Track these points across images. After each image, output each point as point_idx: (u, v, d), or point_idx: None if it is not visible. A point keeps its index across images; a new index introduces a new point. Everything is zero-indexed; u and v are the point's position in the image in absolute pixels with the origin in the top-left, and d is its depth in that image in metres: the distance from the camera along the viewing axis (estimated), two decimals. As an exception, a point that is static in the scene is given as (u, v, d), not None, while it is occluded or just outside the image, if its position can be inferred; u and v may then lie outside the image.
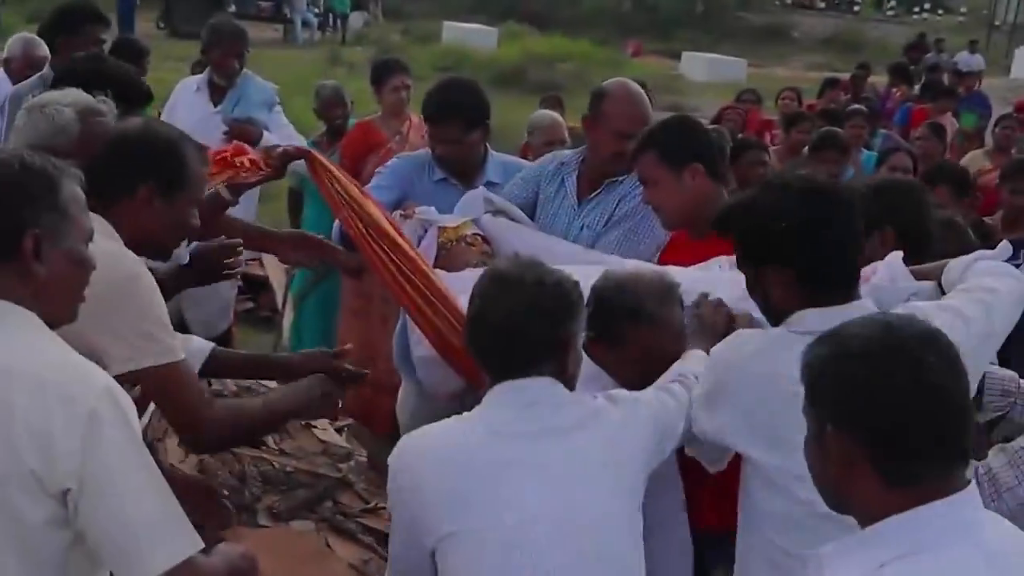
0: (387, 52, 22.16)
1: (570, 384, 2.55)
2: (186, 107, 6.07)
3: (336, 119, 6.91)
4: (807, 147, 7.19)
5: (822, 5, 38.43)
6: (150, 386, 2.53)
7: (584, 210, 3.97)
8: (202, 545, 2.03)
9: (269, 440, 3.81)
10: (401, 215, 3.80)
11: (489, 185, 4.15)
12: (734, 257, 2.96)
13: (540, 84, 20.43)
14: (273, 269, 7.26)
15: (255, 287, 7.57)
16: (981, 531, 1.68)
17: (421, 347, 3.45)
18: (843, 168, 6.60)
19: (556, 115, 6.40)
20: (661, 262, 3.53)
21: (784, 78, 21.04)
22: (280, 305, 6.76)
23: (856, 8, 37.22)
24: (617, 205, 3.92)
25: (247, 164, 3.61)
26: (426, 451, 2.50)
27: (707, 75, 23.71)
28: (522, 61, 22.10)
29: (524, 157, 6.43)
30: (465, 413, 2.54)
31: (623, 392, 2.68)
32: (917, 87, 14.25)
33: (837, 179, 5.64)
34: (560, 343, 2.50)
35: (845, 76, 14.80)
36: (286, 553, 3.26)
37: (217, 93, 6.07)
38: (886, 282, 2.90)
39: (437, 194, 4.13)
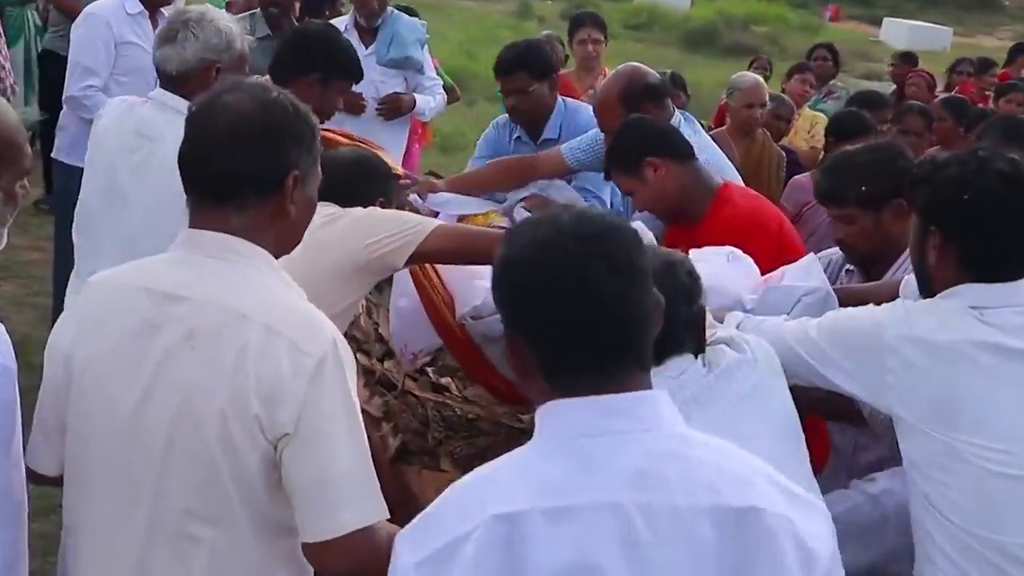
0: (578, 7, 22.07)
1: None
2: None
3: None
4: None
5: (1037, -27, 36.58)
6: (437, 247, 2.96)
7: None
8: (388, 515, 2.02)
9: (452, 387, 3.84)
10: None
11: (545, 143, 4.55)
12: (739, 251, 3.11)
13: (732, 46, 20.04)
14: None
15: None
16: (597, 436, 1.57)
17: (404, 299, 3.54)
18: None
19: (758, 77, 6.22)
20: None
21: (991, 48, 20.11)
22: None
23: (1075, -23, 35.28)
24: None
25: None
26: None
27: (908, 43, 22.76)
28: (715, 22, 21.68)
29: (721, 117, 6.34)
30: None
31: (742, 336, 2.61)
32: None
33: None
34: (698, 320, 2.48)
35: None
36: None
37: (367, 34, 5.96)
38: (785, 282, 2.94)
39: (517, 149, 4.65)
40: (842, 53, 9.88)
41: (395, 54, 5.88)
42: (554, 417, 1.61)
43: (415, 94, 5.91)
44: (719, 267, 3.01)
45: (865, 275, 3.28)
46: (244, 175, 2.03)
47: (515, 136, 4.70)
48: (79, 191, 5.27)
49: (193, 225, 2.08)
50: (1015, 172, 2.45)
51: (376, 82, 5.79)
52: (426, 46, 6.08)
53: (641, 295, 1.62)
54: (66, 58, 5.43)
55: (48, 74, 7.06)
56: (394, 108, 5.84)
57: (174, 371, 1.97)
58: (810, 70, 7.96)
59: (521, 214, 3.90)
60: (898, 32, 23.68)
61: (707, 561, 1.51)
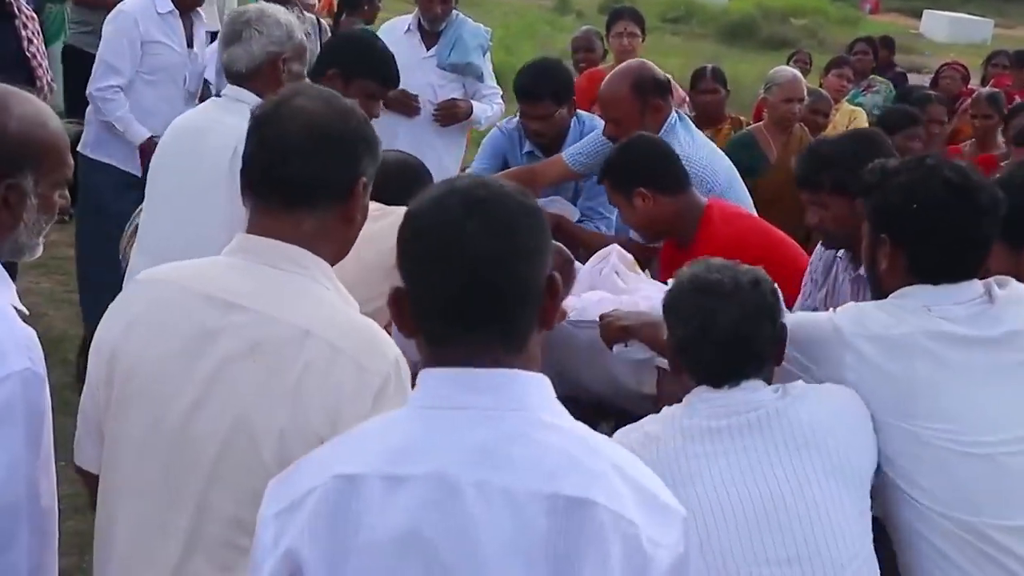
0: (617, 1, 21.91)
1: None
2: (395, 50, 5.84)
3: (579, 63, 6.82)
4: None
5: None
6: None
7: None
8: None
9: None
10: None
11: None
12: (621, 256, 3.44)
13: (771, 39, 19.91)
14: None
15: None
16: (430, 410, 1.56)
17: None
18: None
19: (796, 71, 6.15)
20: (662, 278, 3.69)
21: (1033, 41, 19.88)
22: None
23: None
24: None
25: None
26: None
27: (949, 35, 22.62)
28: (754, 15, 21.54)
29: (759, 113, 6.28)
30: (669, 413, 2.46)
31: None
32: None
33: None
34: (782, 340, 2.48)
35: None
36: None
37: (429, 37, 5.83)
38: None
39: (529, 163, 4.63)
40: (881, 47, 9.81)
41: (456, 59, 5.75)
42: (423, 384, 1.59)
43: (473, 101, 5.80)
44: None
45: (855, 259, 3.30)
46: (319, 180, 2.01)
47: (526, 151, 4.70)
48: (102, 185, 5.28)
49: (253, 230, 2.03)
50: (961, 180, 2.50)
51: (435, 85, 5.72)
52: (488, 53, 5.98)
53: (519, 266, 1.56)
54: (87, 53, 5.44)
55: (70, 71, 6.95)
56: (450, 115, 5.73)
57: (231, 382, 1.94)
58: (848, 64, 7.93)
59: None
60: (938, 24, 23.47)
61: (536, 547, 1.46)
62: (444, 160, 5.66)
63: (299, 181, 2.00)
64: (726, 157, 4.32)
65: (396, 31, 5.88)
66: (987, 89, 7.45)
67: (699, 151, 4.10)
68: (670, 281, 3.32)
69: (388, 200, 3.16)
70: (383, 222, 2.99)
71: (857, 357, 2.47)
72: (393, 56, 3.97)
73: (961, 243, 2.49)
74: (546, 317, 1.61)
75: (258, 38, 3.43)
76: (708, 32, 20.75)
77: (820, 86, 7.47)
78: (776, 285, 2.50)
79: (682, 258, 3.49)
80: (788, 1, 23.44)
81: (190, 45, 5.38)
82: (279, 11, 3.53)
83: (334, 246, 2.07)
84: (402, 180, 3.20)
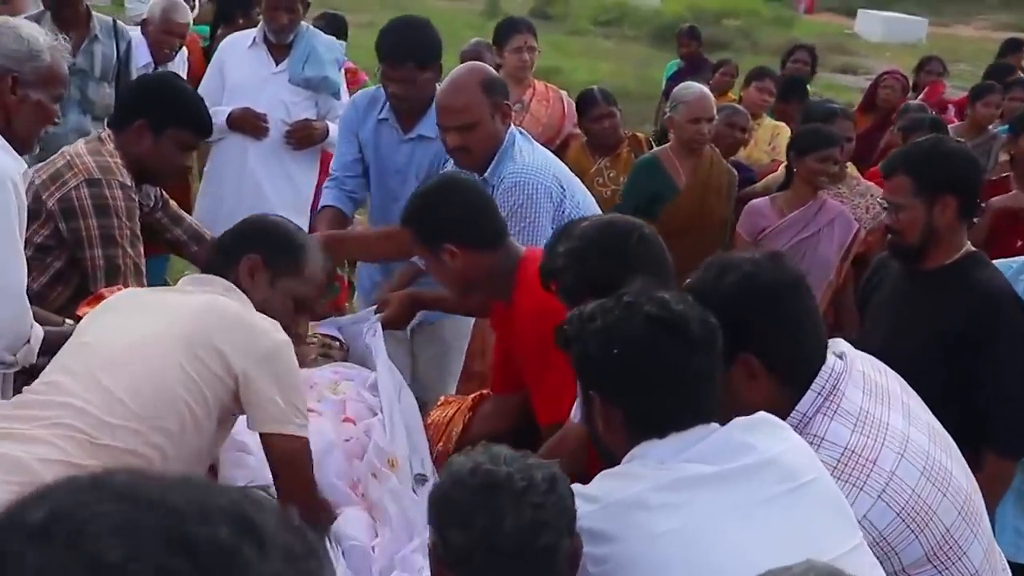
0: (547, 4, 21.52)
1: None
2: (240, 66, 5.36)
3: None
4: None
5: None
6: (279, 451, 2.69)
7: None
8: None
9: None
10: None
11: (420, 139, 4.20)
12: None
13: (704, 41, 19.60)
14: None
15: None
16: None
17: None
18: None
19: (704, 88, 5.64)
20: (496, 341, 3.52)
21: (968, 38, 19.74)
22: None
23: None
24: None
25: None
26: None
27: (884, 35, 22.46)
28: (686, 16, 21.26)
29: (665, 133, 5.85)
30: None
31: None
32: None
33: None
34: (577, 554, 1.97)
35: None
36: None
37: (278, 51, 5.31)
38: None
39: (379, 132, 4.28)
40: (816, 47, 9.41)
41: (311, 72, 5.25)
42: None
43: (328, 122, 5.28)
44: None
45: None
46: None
47: (380, 118, 4.29)
48: None
49: None
50: (665, 314, 2.09)
51: (287, 103, 5.24)
52: (342, 68, 5.50)
53: None
54: None
55: None
56: (305, 137, 5.25)
57: None
58: (769, 77, 7.35)
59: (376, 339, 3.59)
60: (873, 24, 23.33)
61: None
62: (298, 183, 5.28)
63: None
64: (564, 166, 3.97)
65: (238, 46, 5.40)
66: (915, 101, 7.09)
67: (540, 160, 3.76)
68: None
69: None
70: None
71: (592, 541, 1.98)
72: (203, 101, 3.66)
73: (676, 384, 2.09)
74: None
75: None
76: (640, 35, 20.43)
77: (739, 100, 7.03)
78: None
79: (508, 315, 3.20)
80: (721, 2, 23.18)
81: None
82: (24, 26, 3.06)
83: None
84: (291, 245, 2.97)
